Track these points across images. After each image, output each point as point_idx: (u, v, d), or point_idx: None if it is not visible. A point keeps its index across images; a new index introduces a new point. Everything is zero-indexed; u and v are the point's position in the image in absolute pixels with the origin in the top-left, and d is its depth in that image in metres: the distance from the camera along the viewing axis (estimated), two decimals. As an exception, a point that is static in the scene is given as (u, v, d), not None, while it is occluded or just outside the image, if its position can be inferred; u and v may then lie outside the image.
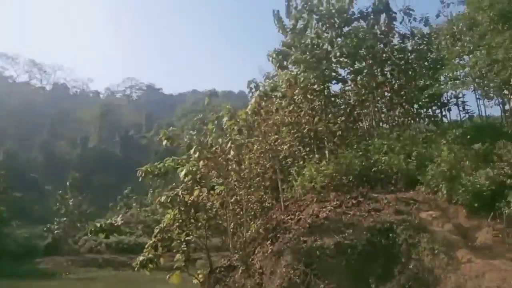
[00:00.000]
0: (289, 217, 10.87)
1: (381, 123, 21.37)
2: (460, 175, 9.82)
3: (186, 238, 10.24)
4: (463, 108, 20.03)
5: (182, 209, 10.03)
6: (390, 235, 8.44)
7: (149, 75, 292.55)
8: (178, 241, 10.05)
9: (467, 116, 19.71)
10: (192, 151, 10.54)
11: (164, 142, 10.99)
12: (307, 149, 17.06)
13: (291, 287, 7.70)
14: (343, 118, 20.11)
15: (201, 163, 10.31)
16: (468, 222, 8.91)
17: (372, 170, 11.97)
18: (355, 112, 21.38)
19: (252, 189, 15.35)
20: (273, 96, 16.06)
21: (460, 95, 20.14)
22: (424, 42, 20.50)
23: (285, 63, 19.64)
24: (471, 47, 11.80)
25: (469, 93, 21.51)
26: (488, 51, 10.84)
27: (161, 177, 11.76)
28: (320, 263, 8.09)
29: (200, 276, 10.50)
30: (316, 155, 15.19)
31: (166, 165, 11.38)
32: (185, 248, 10.02)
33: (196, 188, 10.24)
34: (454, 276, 6.99)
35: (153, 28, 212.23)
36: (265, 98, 12.01)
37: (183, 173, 10.05)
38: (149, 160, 26.50)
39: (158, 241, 9.91)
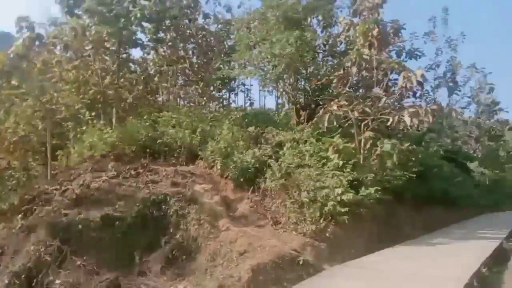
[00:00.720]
0: (54, 188, 9.36)
1: (179, 99, 21.68)
2: (234, 153, 10.81)
3: None
4: (247, 95, 22.83)
5: None
6: (163, 206, 8.40)
7: None
8: None
9: (249, 103, 22.58)
10: None
11: None
12: (93, 113, 15.35)
13: (38, 267, 6.54)
14: (140, 87, 19.30)
15: None
16: (234, 195, 9.91)
17: (158, 142, 11.77)
18: (154, 83, 20.93)
19: (16, 154, 12.62)
20: (53, 44, 13.61)
21: (248, 84, 22.85)
22: (225, 28, 21.95)
23: (76, 10, 16.99)
24: (258, 40, 13.11)
25: (256, 84, 24.59)
26: (270, 45, 12.31)
27: None
28: (81, 238, 7.25)
29: None
30: (102, 121, 13.80)
31: None
32: None
33: None
34: (213, 243, 7.56)
35: None
36: (37, 43, 9.82)
37: None
38: None
39: None
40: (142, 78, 19.15)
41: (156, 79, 21.03)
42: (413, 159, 12.37)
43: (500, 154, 33.40)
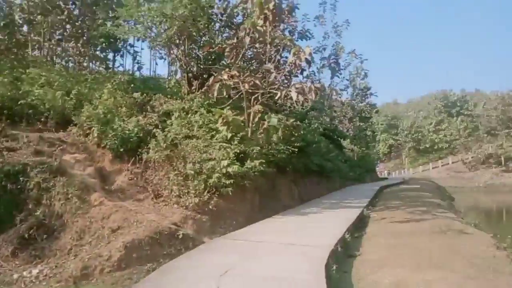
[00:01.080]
0: None
1: (55, 57, 18.89)
2: (114, 120, 9.83)
3: None
4: (136, 58, 21.14)
5: None
6: (21, 178, 7.16)
7: None
8: None
9: (137, 67, 20.98)
10: None
11: None
12: None
13: None
14: (1, 37, 16.24)
15: None
16: (112, 166, 9.06)
17: (19, 102, 9.98)
18: (22, 34, 17.84)
19: None
20: None
21: (137, 46, 21.06)
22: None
23: None
24: (150, -4, 11.92)
25: (147, 48, 22.80)
26: (162, 4, 11.28)
27: None
28: None
29: None
30: None
31: None
32: None
33: None
34: (82, 220, 6.76)
35: None
36: None
37: None
38: None
39: None
40: (3, 25, 16.01)
41: (25, 29, 17.94)
42: (296, 134, 13.09)
43: (367, 134, 38.44)
